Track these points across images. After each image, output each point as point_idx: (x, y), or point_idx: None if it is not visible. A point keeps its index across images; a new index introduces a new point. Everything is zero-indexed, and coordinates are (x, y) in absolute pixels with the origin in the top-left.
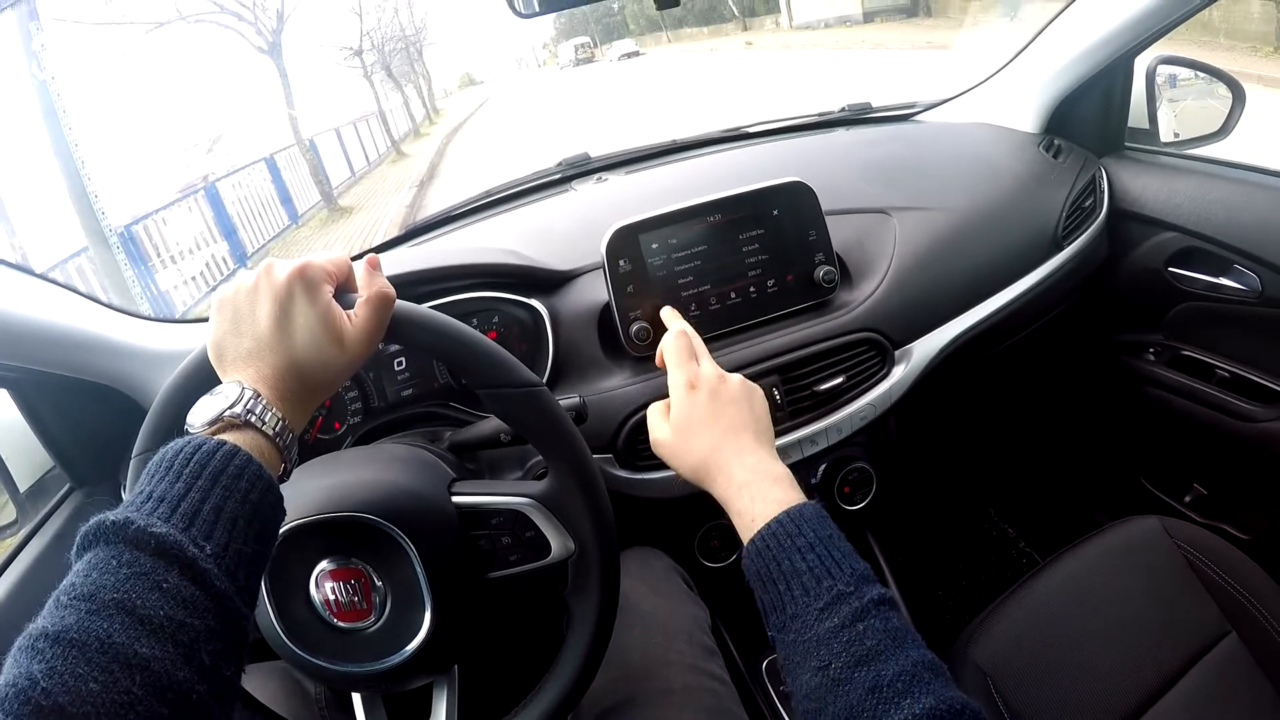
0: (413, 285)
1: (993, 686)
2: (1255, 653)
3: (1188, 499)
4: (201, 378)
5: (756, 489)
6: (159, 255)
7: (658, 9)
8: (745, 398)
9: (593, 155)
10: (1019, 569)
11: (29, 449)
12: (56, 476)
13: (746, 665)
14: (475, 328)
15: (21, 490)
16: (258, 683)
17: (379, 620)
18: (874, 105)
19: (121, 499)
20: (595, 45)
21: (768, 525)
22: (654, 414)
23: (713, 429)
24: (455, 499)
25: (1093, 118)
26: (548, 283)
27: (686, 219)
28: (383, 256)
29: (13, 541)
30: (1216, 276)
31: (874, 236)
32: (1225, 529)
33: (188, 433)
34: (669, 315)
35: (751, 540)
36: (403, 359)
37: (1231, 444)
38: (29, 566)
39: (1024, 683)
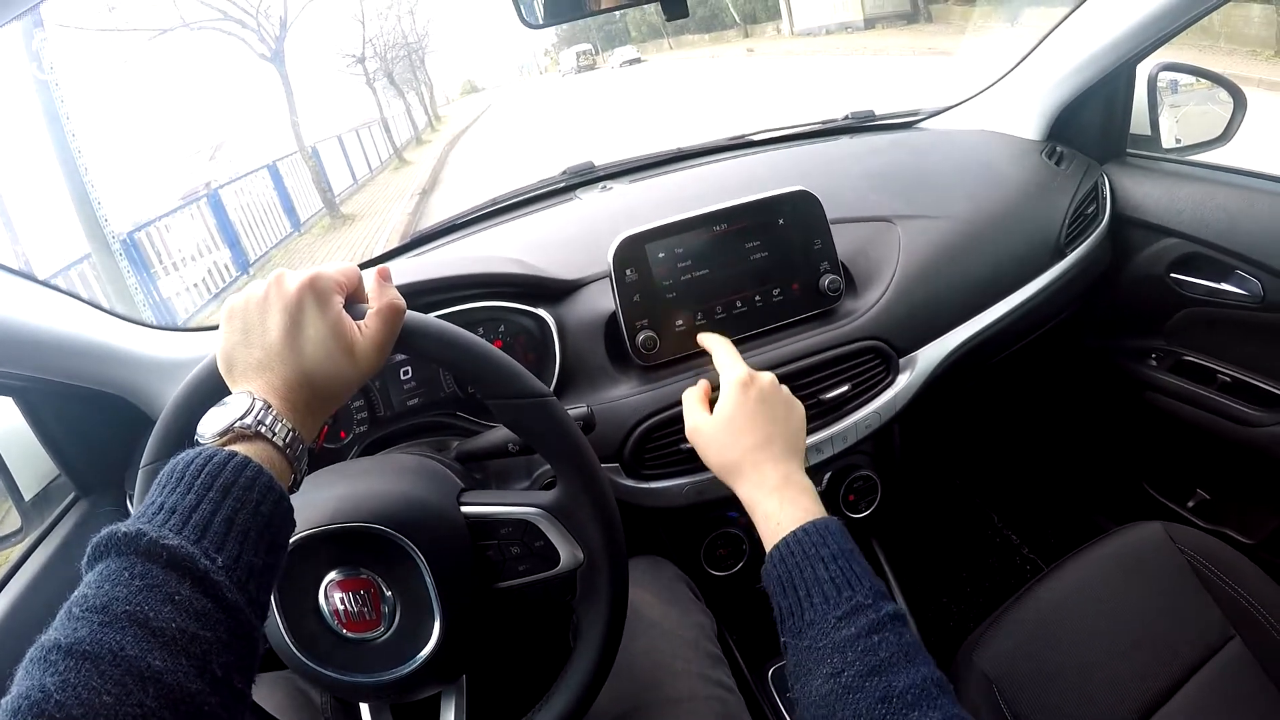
0: (419, 295)
1: (998, 693)
2: (1259, 658)
3: (1191, 504)
4: (210, 388)
5: (787, 495)
6: (161, 262)
7: (666, 19)
8: (790, 408)
9: (597, 164)
10: (1023, 575)
11: (34, 457)
12: (61, 485)
13: (753, 673)
14: (482, 337)
15: (26, 499)
16: (264, 692)
17: (388, 631)
18: (877, 113)
19: (127, 507)
20: (597, 52)
21: (793, 533)
22: (692, 399)
23: (756, 430)
24: (464, 509)
25: (1095, 125)
26: (554, 292)
27: (692, 228)
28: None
29: (18, 550)
30: (1218, 282)
31: (878, 245)
32: (1228, 534)
33: (197, 443)
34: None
35: (776, 546)
36: (409, 368)
37: (1234, 449)
38: (35, 575)
39: (1029, 689)
